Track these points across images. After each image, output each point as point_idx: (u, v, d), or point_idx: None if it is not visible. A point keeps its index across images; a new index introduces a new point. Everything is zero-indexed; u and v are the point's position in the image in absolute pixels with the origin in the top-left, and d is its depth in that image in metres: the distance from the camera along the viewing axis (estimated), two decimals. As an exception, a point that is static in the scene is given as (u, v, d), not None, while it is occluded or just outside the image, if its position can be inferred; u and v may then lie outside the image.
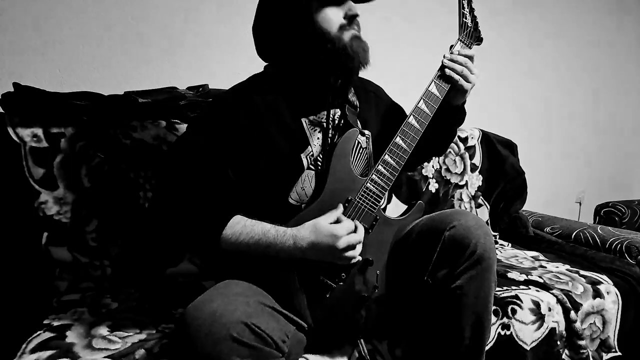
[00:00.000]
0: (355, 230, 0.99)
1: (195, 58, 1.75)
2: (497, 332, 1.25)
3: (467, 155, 1.97)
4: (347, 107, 1.12)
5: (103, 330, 1.04)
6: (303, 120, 1.07)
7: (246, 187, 1.03)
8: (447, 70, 1.09)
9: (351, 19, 1.03)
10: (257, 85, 1.08)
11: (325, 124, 1.05)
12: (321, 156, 1.06)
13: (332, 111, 1.09)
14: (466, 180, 1.97)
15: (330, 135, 1.06)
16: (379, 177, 1.05)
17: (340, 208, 1.01)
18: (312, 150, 1.06)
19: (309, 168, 1.05)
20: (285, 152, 1.03)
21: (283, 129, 1.04)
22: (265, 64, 1.13)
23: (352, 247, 0.97)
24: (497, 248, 1.84)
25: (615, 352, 1.48)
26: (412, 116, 1.08)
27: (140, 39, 1.66)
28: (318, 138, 1.07)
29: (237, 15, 1.80)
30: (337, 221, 0.98)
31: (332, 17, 1.01)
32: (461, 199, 1.96)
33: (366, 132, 1.13)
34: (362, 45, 1.04)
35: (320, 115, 1.08)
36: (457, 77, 1.09)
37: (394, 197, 1.51)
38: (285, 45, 1.04)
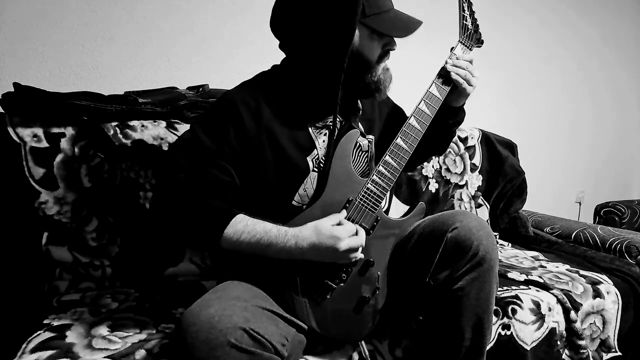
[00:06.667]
0: (356, 234, 0.99)
1: (195, 58, 1.75)
2: (497, 332, 1.25)
3: (467, 155, 1.97)
4: (352, 110, 1.12)
5: (103, 330, 1.04)
6: (309, 126, 1.07)
7: (250, 188, 1.03)
8: (452, 74, 1.09)
9: (388, 52, 1.06)
10: (265, 86, 1.07)
11: (332, 126, 1.05)
12: (324, 157, 1.06)
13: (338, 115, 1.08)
14: (466, 180, 1.97)
15: (335, 138, 1.06)
16: (379, 178, 1.05)
17: (344, 212, 1.01)
18: (317, 153, 1.06)
19: (313, 170, 1.05)
20: (292, 155, 1.03)
21: (290, 133, 1.04)
22: (274, 64, 1.12)
23: (353, 249, 0.97)
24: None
25: (615, 352, 1.48)
26: (412, 117, 1.09)
27: (140, 38, 1.66)
28: (324, 141, 1.07)
29: (238, 15, 1.80)
30: (339, 224, 0.98)
31: (375, 48, 1.03)
32: (461, 199, 1.96)
33: (369, 136, 1.13)
34: (390, 76, 1.08)
35: (325, 120, 1.08)
36: (461, 80, 1.10)
37: (394, 199, 1.51)
38: (315, 51, 1.01)
